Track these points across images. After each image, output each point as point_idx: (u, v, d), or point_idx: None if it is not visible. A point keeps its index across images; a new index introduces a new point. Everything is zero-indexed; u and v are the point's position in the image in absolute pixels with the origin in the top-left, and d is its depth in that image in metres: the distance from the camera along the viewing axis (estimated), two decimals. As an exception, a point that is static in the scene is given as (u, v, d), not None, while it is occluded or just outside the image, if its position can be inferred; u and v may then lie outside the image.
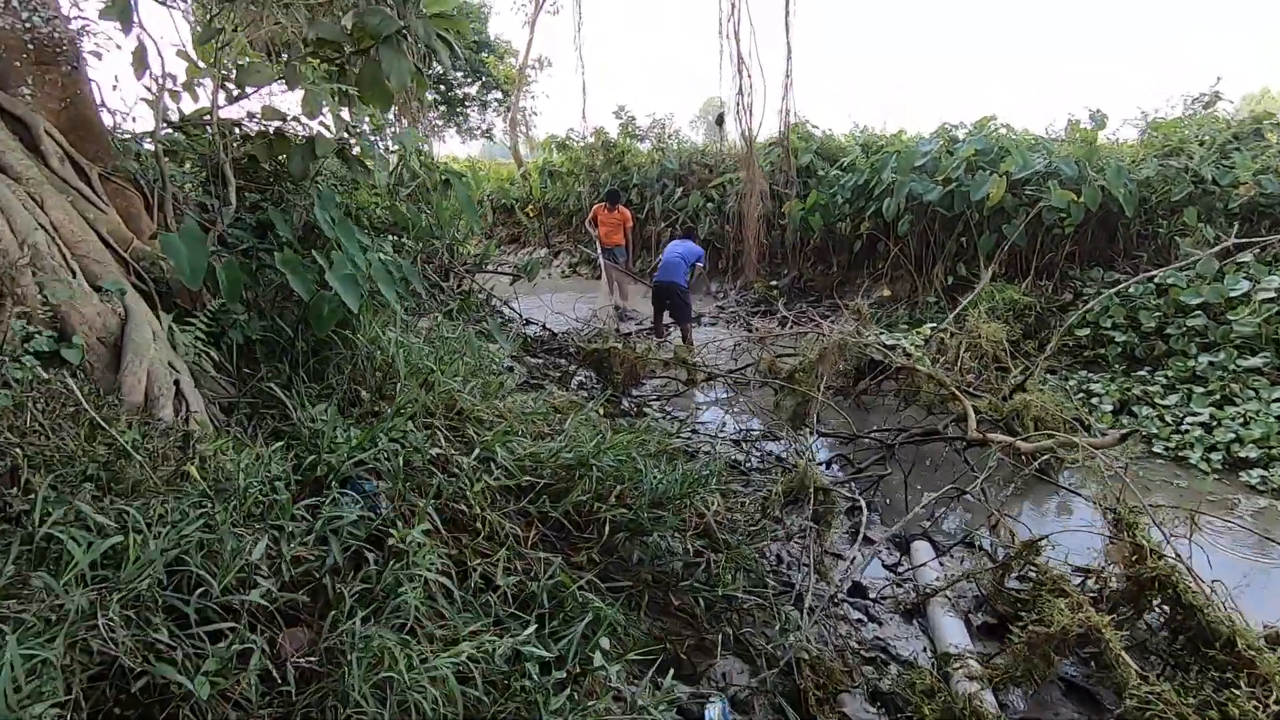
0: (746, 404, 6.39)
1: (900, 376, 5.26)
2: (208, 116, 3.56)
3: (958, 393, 4.48)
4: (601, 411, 5.14)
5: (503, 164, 19.21)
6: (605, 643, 2.20)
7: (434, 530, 2.42)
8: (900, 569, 3.59)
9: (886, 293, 8.43)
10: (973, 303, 7.08)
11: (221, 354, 2.76)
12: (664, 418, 5.80)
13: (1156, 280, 6.38)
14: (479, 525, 2.64)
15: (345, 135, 3.95)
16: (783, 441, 4.88)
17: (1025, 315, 7.00)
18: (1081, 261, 7.46)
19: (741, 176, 9.13)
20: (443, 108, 28.06)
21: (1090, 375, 6.13)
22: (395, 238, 4.56)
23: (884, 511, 4.28)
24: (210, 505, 1.62)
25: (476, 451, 2.68)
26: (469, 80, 26.34)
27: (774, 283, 9.87)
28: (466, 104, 27.73)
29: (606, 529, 2.85)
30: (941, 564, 3.57)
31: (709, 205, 10.92)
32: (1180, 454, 4.81)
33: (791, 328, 7.03)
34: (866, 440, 4.78)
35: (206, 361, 2.47)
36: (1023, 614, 2.89)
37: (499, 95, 25.25)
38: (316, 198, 2.95)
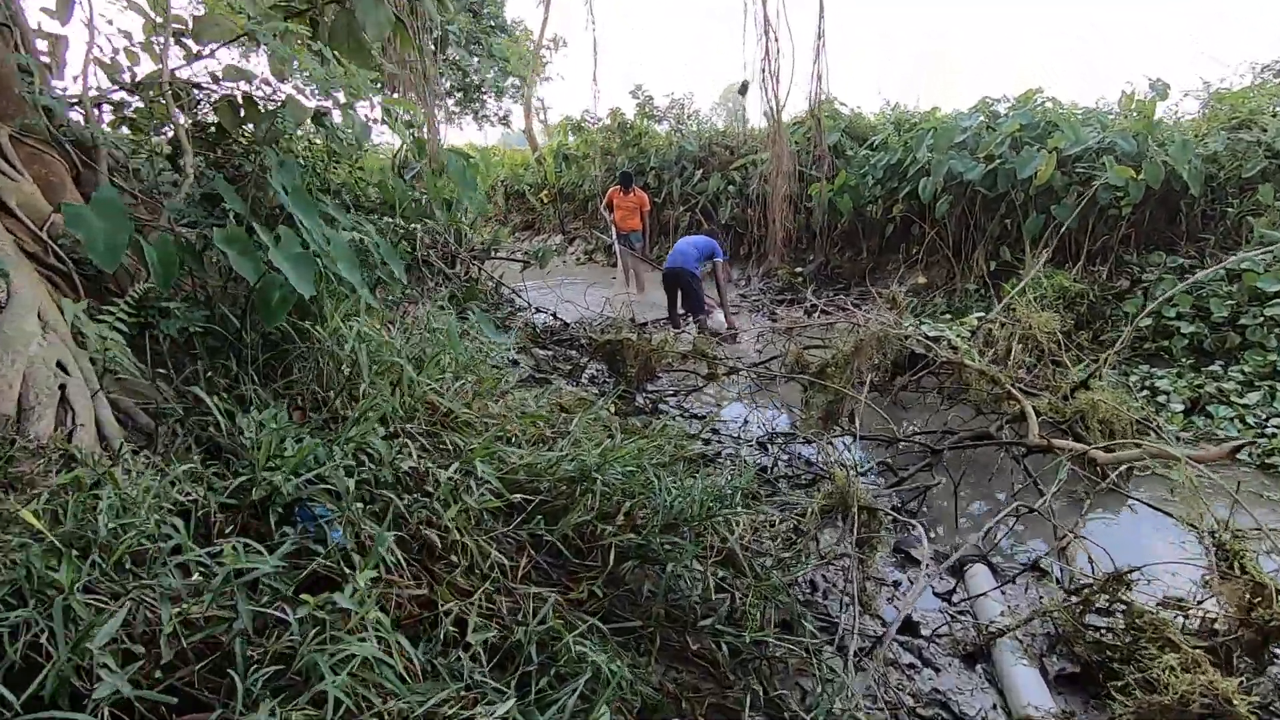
0: (772, 399, 5.91)
1: (943, 372, 4.74)
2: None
3: (1014, 391, 3.95)
4: (613, 409, 4.70)
5: (519, 151, 18.76)
6: (607, 714, 1.75)
7: (397, 566, 1.98)
8: (955, 598, 3.11)
9: (921, 280, 7.86)
10: (1019, 290, 6.51)
11: (165, 350, 2.34)
12: (681, 416, 5.34)
13: (1229, 265, 5.77)
14: (457, 556, 2.20)
15: (325, 101, 3.52)
16: (814, 445, 4.38)
17: (1077, 304, 6.42)
18: (1138, 245, 6.83)
19: (766, 155, 8.56)
20: (459, 94, 27.73)
21: (1153, 370, 5.54)
22: (385, 219, 4.13)
23: (930, 526, 3.78)
24: (57, 559, 1.20)
25: (455, 466, 2.24)
26: (485, 66, 25.92)
27: (799, 269, 9.32)
28: (483, 90, 27.33)
29: (612, 556, 2.40)
30: (1004, 593, 3.08)
31: (730, 188, 10.37)
32: (1269, 461, 4.24)
33: (820, 317, 6.51)
34: (908, 444, 4.27)
35: (130, 359, 2.06)
36: (1113, 663, 2.40)
37: (516, 82, 24.77)
38: (275, 164, 2.51)
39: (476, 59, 25.57)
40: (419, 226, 5.47)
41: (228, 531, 1.81)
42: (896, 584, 3.17)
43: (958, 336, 4.62)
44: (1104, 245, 6.85)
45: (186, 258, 2.39)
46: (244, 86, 3.30)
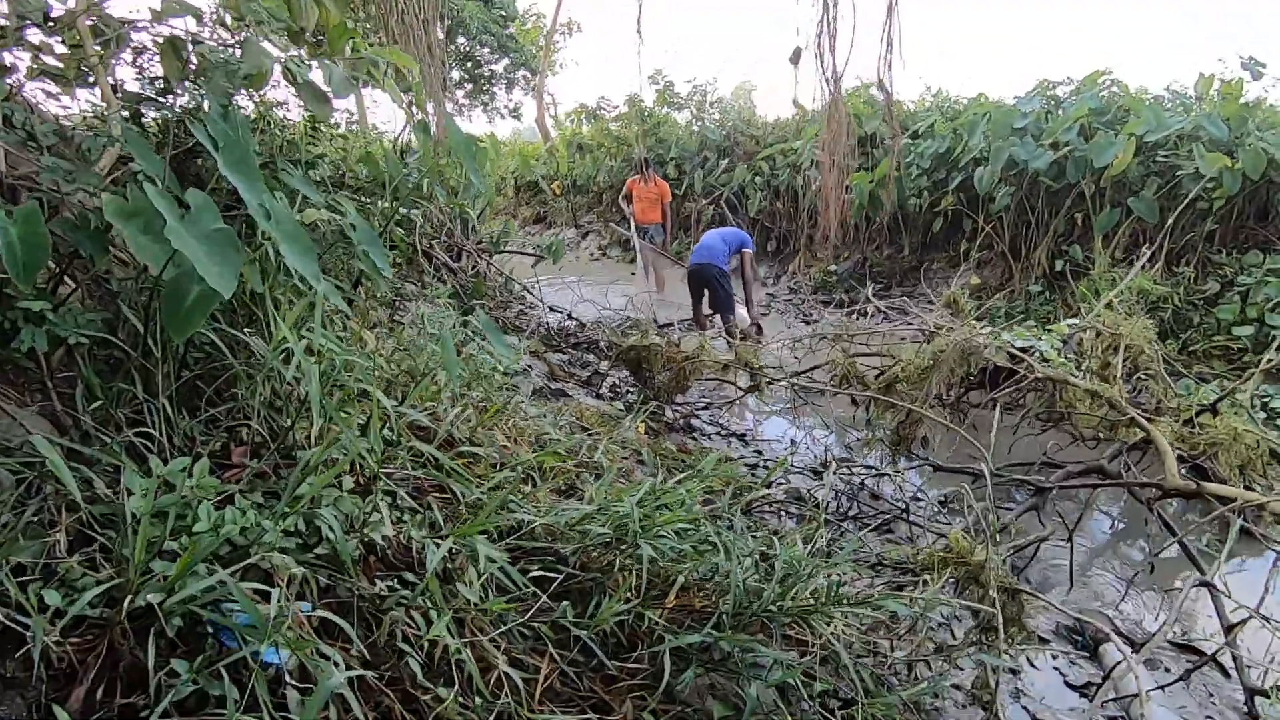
0: (817, 415, 5.20)
1: (1032, 390, 4.02)
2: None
3: (1140, 419, 3.23)
4: (642, 429, 4.01)
5: (530, 143, 18.10)
6: None
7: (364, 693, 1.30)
8: (1094, 689, 2.40)
9: (974, 280, 7.12)
10: (1094, 293, 5.78)
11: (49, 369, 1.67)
12: (720, 434, 4.64)
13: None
14: (455, 671, 1.52)
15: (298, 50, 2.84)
16: (878, 471, 3.68)
17: (1159, 309, 5.69)
18: (1224, 243, 6.08)
19: (797, 144, 7.82)
20: (468, 85, 27.11)
21: (1265, 387, 4.80)
22: (377, 201, 3.45)
23: (1032, 580, 3.08)
24: None
25: (443, 548, 1.54)
26: (496, 57, 25.24)
27: (833, 267, 8.60)
28: (493, 81, 26.66)
29: (667, 662, 1.71)
30: (1157, 681, 2.37)
31: (756, 180, 9.65)
32: None
33: (872, 321, 5.80)
34: (999, 479, 3.55)
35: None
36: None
37: (526, 74, 24.14)
38: (216, 113, 1.84)
39: (487, 49, 24.97)
40: (418, 213, 4.80)
41: (85, 680, 1.13)
42: (1015, 670, 2.47)
43: (1051, 346, 3.90)
44: (1186, 244, 6.10)
45: (83, 241, 1.71)
46: (193, 27, 2.62)
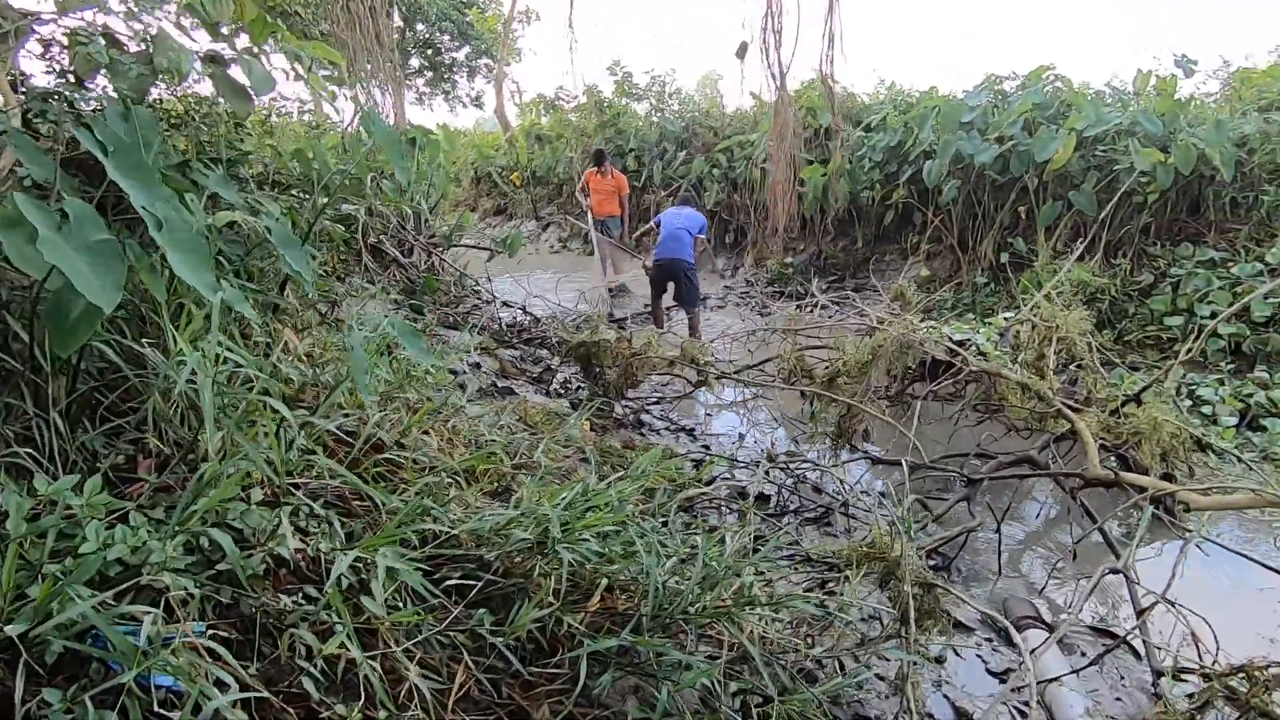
0: (768, 409, 5.26)
1: (969, 382, 4.12)
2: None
3: (1066, 410, 3.34)
4: (588, 425, 4.00)
5: (491, 133, 17.84)
6: None
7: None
8: (1012, 674, 2.48)
9: (924, 272, 7.25)
10: (1035, 285, 5.93)
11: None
12: (668, 429, 4.67)
13: (1268, 259, 5.24)
14: (364, 685, 1.50)
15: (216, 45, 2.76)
16: (825, 468, 3.74)
17: (1098, 300, 5.87)
18: (1160, 236, 6.28)
19: (754, 136, 7.85)
20: (429, 73, 26.58)
21: (1190, 376, 4.99)
22: (314, 198, 3.36)
23: (967, 575, 3.17)
24: None
25: (346, 560, 1.53)
26: (456, 44, 24.77)
27: (789, 259, 8.67)
28: (454, 70, 26.16)
29: (583, 667, 1.72)
30: (1073, 666, 2.46)
31: (714, 171, 9.67)
32: (1343, 486, 3.69)
33: (822, 313, 5.87)
34: (934, 469, 3.64)
35: None
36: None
37: (489, 61, 23.74)
38: (112, 113, 1.77)
39: (447, 36, 24.49)
40: (360, 209, 4.71)
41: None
42: (940, 659, 2.54)
43: (987, 339, 4.00)
44: (1123, 236, 6.29)
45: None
46: (101, 19, 2.53)
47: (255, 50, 2.71)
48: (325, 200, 2.91)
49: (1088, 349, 4.37)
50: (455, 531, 1.92)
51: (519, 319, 6.74)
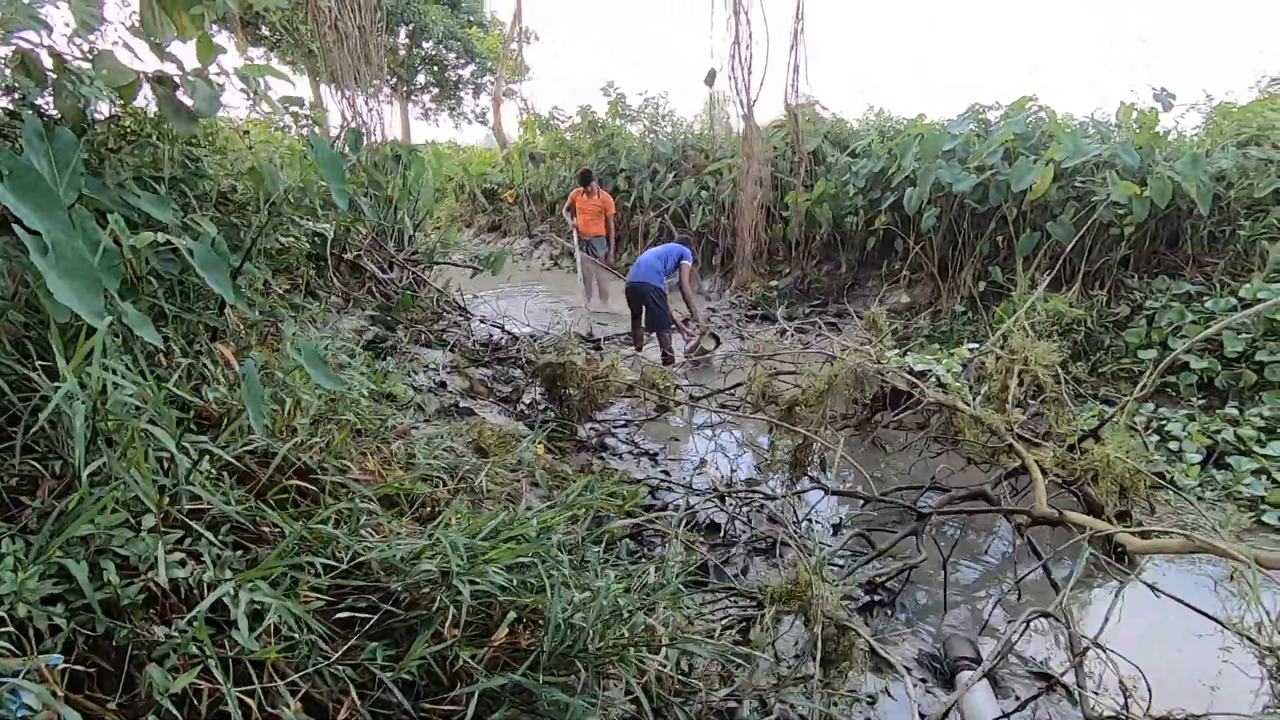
0: (739, 434, 5.23)
1: (931, 412, 4.09)
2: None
3: (1018, 446, 3.30)
4: (541, 449, 3.98)
5: (488, 151, 18.00)
6: None
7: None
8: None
9: (904, 299, 7.24)
10: (1011, 314, 5.91)
11: None
12: (632, 453, 4.63)
13: (1242, 295, 5.21)
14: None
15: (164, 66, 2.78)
16: (773, 498, 3.70)
17: (1073, 331, 5.84)
18: (1137, 268, 6.26)
19: (737, 157, 7.88)
20: (435, 90, 26.88)
21: (1161, 410, 4.95)
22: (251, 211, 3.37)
23: (913, 611, 3.12)
24: None
25: (218, 592, 1.50)
26: (462, 62, 25.07)
27: (773, 283, 8.68)
28: (460, 87, 26.46)
29: (472, 703, 1.68)
30: (1003, 711, 2.40)
31: (703, 194, 9.72)
32: (1304, 528, 3.64)
33: (792, 340, 5.85)
34: (889, 501, 3.60)
35: None
36: None
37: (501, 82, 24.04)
38: (31, 134, 1.78)
39: (453, 54, 24.80)
40: (330, 226, 4.74)
41: None
42: (871, 699, 2.49)
43: (948, 370, 3.97)
44: (1102, 267, 6.28)
45: None
46: (46, 40, 2.55)
47: (202, 71, 2.74)
48: (267, 219, 2.91)
49: (1055, 381, 4.35)
50: (350, 562, 1.89)
51: (496, 337, 6.75)
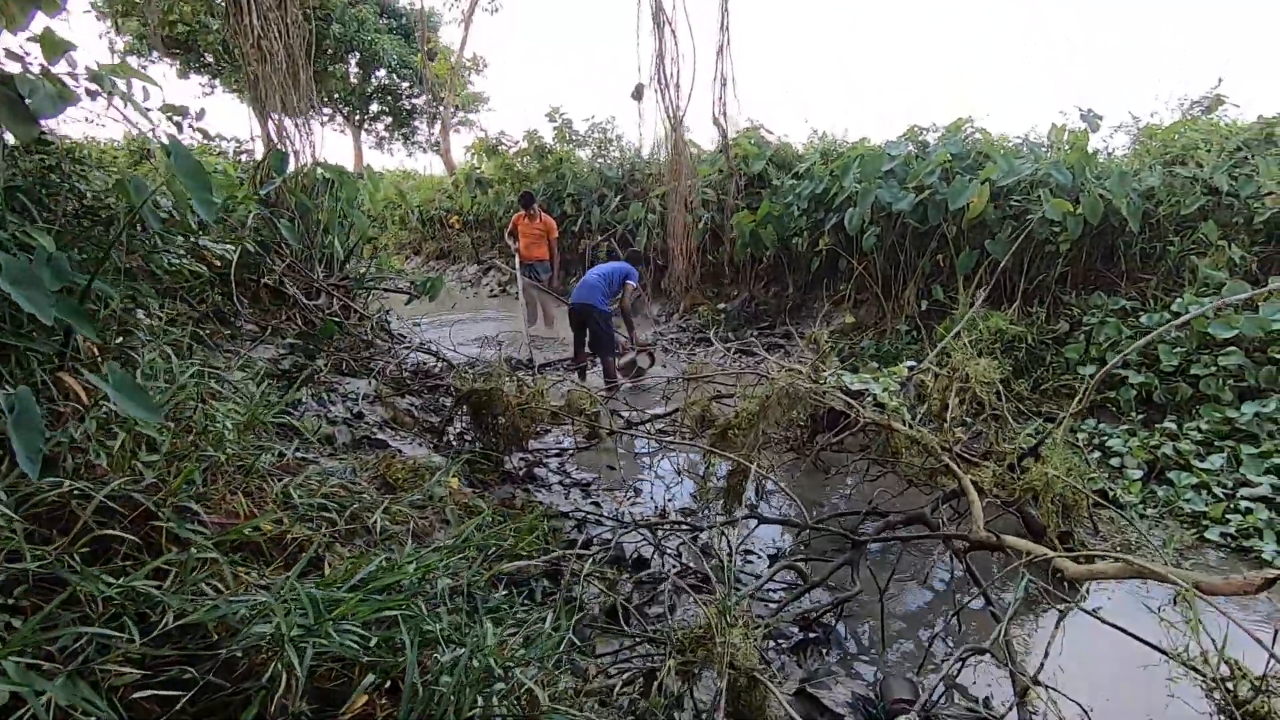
0: (679, 459, 5.00)
1: (871, 432, 3.94)
2: None
3: (954, 465, 3.15)
4: (455, 483, 3.69)
5: (435, 177, 17.73)
6: None
7: None
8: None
9: (849, 319, 7.17)
10: (954, 334, 5.86)
11: None
12: (562, 484, 4.36)
13: (1175, 309, 5.24)
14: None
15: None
16: (700, 528, 3.47)
17: (1015, 348, 5.81)
18: (1076, 285, 6.30)
19: (705, 174, 7.78)
20: (388, 119, 26.63)
21: (1102, 426, 4.90)
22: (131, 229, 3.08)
23: (848, 640, 2.90)
24: None
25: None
26: (416, 91, 24.88)
27: (721, 305, 8.56)
28: (415, 115, 26.25)
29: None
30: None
31: (650, 216, 9.60)
32: (1244, 544, 3.55)
33: (733, 361, 5.68)
34: (825, 527, 3.40)
35: None
36: None
37: (446, 108, 23.88)
38: None
39: (406, 83, 24.63)
40: (230, 247, 4.44)
41: None
42: (801, 752, 2.24)
43: (885, 390, 3.83)
44: (1040, 284, 6.30)
45: None
46: None
47: (48, 69, 2.45)
48: (122, 233, 2.61)
49: (996, 398, 4.24)
50: (177, 623, 1.60)
51: (430, 364, 6.44)
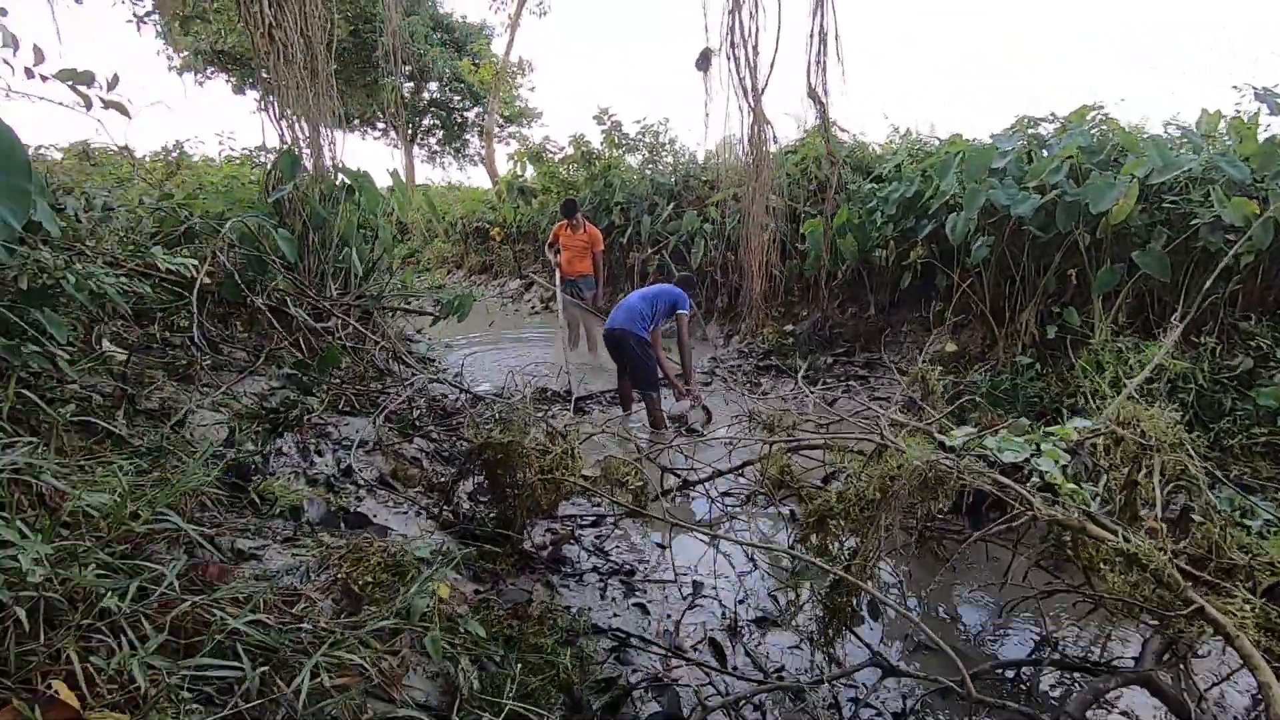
0: (748, 530, 3.91)
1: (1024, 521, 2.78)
2: None
3: (1217, 616, 1.98)
4: (448, 590, 2.69)
5: (482, 189, 17.13)
6: None
7: None
8: None
9: (950, 347, 5.96)
10: (1095, 367, 4.62)
11: None
12: (597, 569, 3.33)
13: None
14: None
15: None
16: (783, 688, 2.39)
17: (1180, 390, 4.52)
18: (1250, 306, 4.97)
19: (745, 185, 6.72)
20: (440, 132, 26.47)
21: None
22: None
23: None
24: None
25: None
26: (467, 105, 24.60)
27: (789, 328, 7.43)
28: (465, 129, 25.99)
29: None
30: None
31: (706, 227, 8.56)
32: None
33: (815, 401, 4.57)
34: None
35: None
36: None
37: (499, 120, 23.51)
38: None
39: (458, 96, 24.39)
40: (191, 261, 3.60)
41: None
42: None
43: (1054, 460, 2.68)
44: (1206, 307, 4.98)
45: None
46: None
47: None
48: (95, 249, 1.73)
49: (1195, 469, 3.02)
50: None
51: (453, 397, 5.54)
